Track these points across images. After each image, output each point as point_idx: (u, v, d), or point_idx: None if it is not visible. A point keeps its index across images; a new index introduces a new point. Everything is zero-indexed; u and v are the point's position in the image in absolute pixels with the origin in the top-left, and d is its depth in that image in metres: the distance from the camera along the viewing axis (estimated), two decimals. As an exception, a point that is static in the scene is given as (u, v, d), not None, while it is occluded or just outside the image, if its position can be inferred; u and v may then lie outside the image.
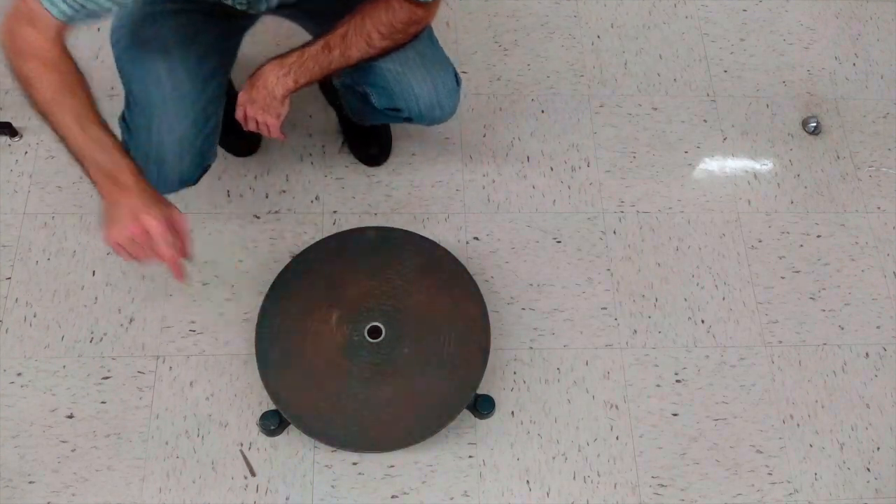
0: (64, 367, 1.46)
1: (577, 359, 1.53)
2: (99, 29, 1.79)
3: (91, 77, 1.76)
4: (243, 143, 1.67)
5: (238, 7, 1.24)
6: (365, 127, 1.64)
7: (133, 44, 1.23)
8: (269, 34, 1.74)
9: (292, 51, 1.19)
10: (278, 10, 1.32)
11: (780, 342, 1.58)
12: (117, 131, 1.21)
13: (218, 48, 1.30)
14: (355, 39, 1.17)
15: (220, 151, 1.67)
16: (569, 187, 1.70)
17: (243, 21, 1.35)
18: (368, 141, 1.67)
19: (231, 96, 1.37)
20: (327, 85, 1.68)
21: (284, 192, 1.65)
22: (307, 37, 1.31)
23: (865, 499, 1.45)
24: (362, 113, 1.49)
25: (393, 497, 1.40)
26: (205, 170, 1.32)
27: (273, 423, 1.38)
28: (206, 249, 1.57)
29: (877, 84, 1.88)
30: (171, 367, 1.47)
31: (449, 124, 1.73)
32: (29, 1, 1.00)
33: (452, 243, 1.61)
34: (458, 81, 1.34)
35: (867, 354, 1.58)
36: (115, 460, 1.40)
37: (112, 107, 1.74)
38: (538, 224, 1.66)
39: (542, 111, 1.79)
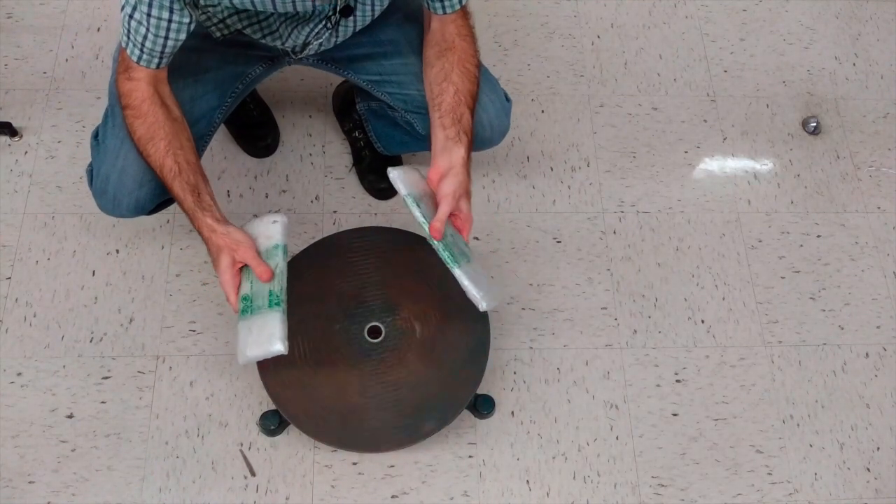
0: (64, 367, 1.46)
1: (577, 359, 1.53)
2: (99, 29, 1.79)
3: (90, 76, 1.77)
4: (262, 143, 1.68)
5: (289, 51, 1.27)
6: (377, 159, 1.62)
7: None
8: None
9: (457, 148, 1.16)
10: (314, 58, 1.33)
11: (780, 342, 1.58)
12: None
13: (222, 90, 1.30)
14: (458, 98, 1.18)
15: (232, 150, 1.67)
16: (569, 187, 1.70)
17: (266, 69, 1.35)
18: (381, 175, 1.62)
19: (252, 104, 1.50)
20: (344, 114, 1.67)
21: (284, 192, 1.65)
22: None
23: (865, 499, 1.45)
24: (391, 139, 1.49)
25: (393, 497, 1.40)
26: (165, 203, 1.29)
27: (273, 423, 1.38)
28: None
29: (877, 84, 1.88)
30: (171, 367, 1.47)
31: (449, 124, 1.73)
32: (124, 53, 1.09)
33: (452, 243, 1.61)
34: (507, 99, 1.33)
35: (867, 354, 1.58)
36: (115, 460, 1.40)
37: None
38: (538, 224, 1.66)
39: (542, 111, 1.79)
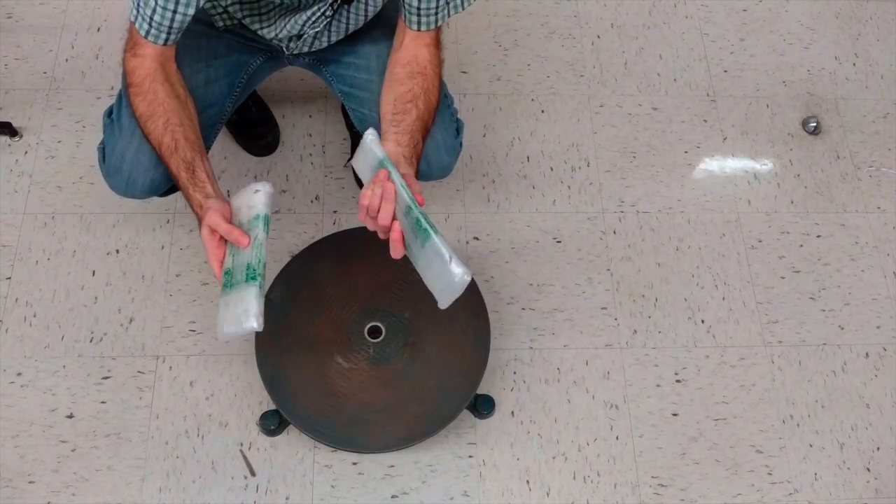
0: (64, 367, 1.46)
1: (577, 359, 1.53)
2: (99, 29, 1.79)
3: (90, 76, 1.77)
4: (262, 141, 1.68)
5: (283, 46, 1.27)
6: None
7: None
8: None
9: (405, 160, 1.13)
10: (309, 58, 1.33)
11: (780, 342, 1.58)
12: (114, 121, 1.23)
13: (231, 79, 1.30)
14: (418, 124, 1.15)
15: (232, 150, 1.67)
16: (569, 187, 1.70)
17: (269, 63, 1.35)
18: None
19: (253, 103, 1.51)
20: None
21: (284, 191, 1.65)
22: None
23: (865, 499, 1.45)
24: None
25: (393, 497, 1.40)
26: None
27: (273, 423, 1.38)
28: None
29: (877, 84, 1.88)
30: (171, 367, 1.47)
31: (449, 124, 1.73)
32: (133, 29, 1.09)
33: (452, 243, 1.61)
34: (458, 132, 1.30)
35: (867, 354, 1.58)
36: (115, 460, 1.40)
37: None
38: (538, 224, 1.66)
39: (542, 111, 1.79)
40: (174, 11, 1.05)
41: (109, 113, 1.24)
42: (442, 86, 1.23)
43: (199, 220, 1.10)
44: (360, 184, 1.66)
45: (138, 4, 1.06)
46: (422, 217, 1.01)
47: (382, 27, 1.27)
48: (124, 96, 1.19)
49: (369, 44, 1.28)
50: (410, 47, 1.17)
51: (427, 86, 1.16)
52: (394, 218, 1.03)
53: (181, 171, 1.10)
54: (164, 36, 1.08)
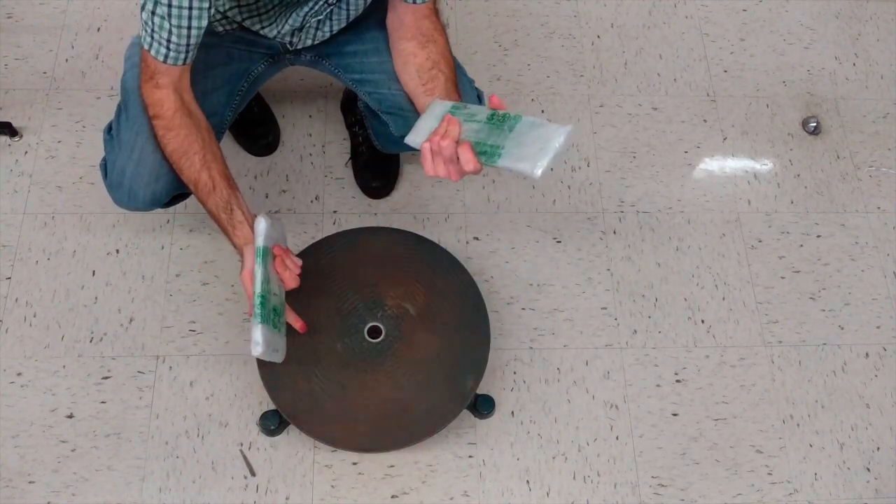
0: (64, 367, 1.46)
1: (577, 359, 1.53)
2: (99, 29, 1.79)
3: (90, 76, 1.77)
4: (262, 141, 1.68)
5: (286, 42, 1.28)
6: (374, 159, 1.63)
7: None
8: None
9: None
10: (310, 54, 1.34)
11: (780, 342, 1.58)
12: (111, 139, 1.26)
13: (231, 88, 1.31)
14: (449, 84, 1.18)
15: (232, 150, 1.67)
16: (569, 187, 1.70)
17: (270, 68, 1.36)
18: (374, 174, 1.65)
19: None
20: (348, 108, 1.68)
21: (284, 192, 1.65)
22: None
23: (865, 499, 1.45)
24: (385, 138, 1.49)
25: (393, 497, 1.40)
26: (180, 197, 1.31)
27: (273, 423, 1.38)
28: (207, 249, 1.57)
29: (877, 84, 1.88)
30: (171, 367, 1.47)
31: (449, 124, 1.73)
32: (148, 58, 1.09)
33: (452, 243, 1.61)
34: (479, 99, 1.32)
35: (867, 354, 1.58)
36: (115, 460, 1.40)
37: (112, 106, 1.73)
38: (538, 224, 1.66)
39: (542, 111, 1.79)
40: (189, 28, 1.05)
41: (109, 129, 1.26)
42: (454, 57, 1.24)
43: (241, 256, 1.17)
44: (358, 184, 1.66)
45: (152, 31, 1.05)
46: (506, 112, 1.03)
47: (383, 11, 1.28)
48: (126, 109, 1.21)
49: (375, 29, 1.29)
50: (411, 22, 1.19)
51: (441, 50, 1.19)
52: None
53: (220, 211, 1.15)
54: (182, 55, 1.08)
